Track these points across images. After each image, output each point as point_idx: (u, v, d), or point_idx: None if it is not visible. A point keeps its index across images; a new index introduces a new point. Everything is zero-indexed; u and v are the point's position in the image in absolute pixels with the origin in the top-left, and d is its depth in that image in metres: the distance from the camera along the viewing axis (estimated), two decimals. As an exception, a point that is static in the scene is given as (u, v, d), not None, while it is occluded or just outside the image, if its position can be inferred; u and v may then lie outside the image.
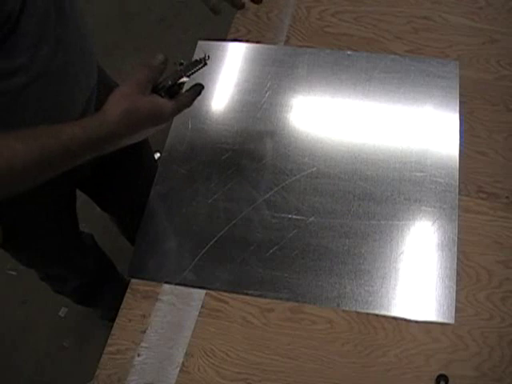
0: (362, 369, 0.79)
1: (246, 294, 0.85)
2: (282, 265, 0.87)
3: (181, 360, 0.82)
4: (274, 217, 0.91)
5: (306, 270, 0.86)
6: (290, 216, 0.91)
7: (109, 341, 0.85)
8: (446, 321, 0.80)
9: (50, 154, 0.65)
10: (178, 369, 0.81)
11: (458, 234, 0.87)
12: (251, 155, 0.98)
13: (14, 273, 1.78)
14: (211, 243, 0.89)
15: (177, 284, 0.87)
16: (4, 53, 0.68)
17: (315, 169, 0.95)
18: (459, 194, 0.90)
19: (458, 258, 0.85)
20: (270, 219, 0.91)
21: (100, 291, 1.45)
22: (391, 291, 0.83)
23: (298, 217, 0.90)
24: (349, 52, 1.07)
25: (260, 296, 0.85)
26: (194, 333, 0.84)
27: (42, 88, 0.77)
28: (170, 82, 0.75)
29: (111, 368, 0.83)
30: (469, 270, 0.85)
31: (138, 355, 0.83)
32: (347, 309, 0.83)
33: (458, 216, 0.88)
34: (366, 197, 0.91)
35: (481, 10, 1.11)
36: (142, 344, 0.84)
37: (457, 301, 0.82)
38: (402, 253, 0.86)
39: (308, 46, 1.10)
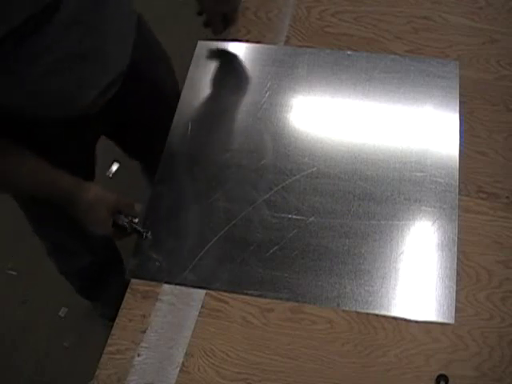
0: (362, 369, 0.79)
1: (246, 294, 0.85)
2: (282, 265, 0.87)
3: (181, 360, 0.82)
4: (274, 217, 0.91)
5: (306, 270, 0.86)
6: (289, 216, 0.91)
7: (109, 341, 0.85)
8: (446, 321, 0.80)
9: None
10: (178, 369, 0.81)
11: (458, 234, 0.87)
12: (251, 155, 0.98)
13: (14, 273, 1.78)
14: (211, 243, 0.89)
15: (177, 284, 0.87)
16: (39, 33, 0.71)
17: (315, 169, 0.95)
18: (459, 193, 0.90)
19: (457, 258, 0.85)
20: (270, 219, 0.91)
21: (104, 280, 1.44)
22: (391, 291, 0.83)
23: (298, 217, 0.90)
24: (349, 52, 1.07)
25: (260, 296, 0.85)
26: (194, 333, 0.84)
27: (67, 69, 0.79)
28: (123, 223, 0.91)
29: (111, 368, 0.83)
30: (469, 269, 0.85)
31: (138, 355, 0.83)
32: (347, 309, 0.83)
33: (458, 216, 0.88)
34: (366, 197, 0.91)
35: (481, 10, 1.11)
36: (142, 344, 0.84)
37: (457, 301, 0.82)
38: (402, 253, 0.86)
39: (308, 46, 1.10)
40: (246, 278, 0.86)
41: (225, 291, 0.86)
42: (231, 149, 0.99)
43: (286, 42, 1.11)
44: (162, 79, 1.15)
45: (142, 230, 0.91)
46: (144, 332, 0.85)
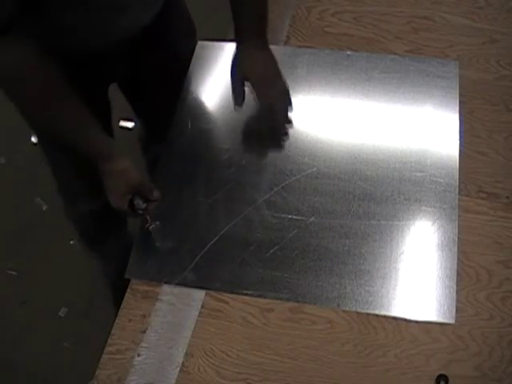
0: (361, 369, 0.79)
1: (246, 294, 0.85)
2: (282, 265, 0.87)
3: (181, 360, 0.82)
4: (274, 217, 0.91)
5: (306, 270, 0.86)
6: (290, 216, 0.91)
7: (109, 341, 0.85)
8: (446, 321, 0.80)
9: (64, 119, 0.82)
10: (178, 369, 0.81)
11: (458, 233, 0.87)
12: (251, 155, 0.98)
13: (14, 273, 1.78)
14: (211, 243, 0.89)
15: (177, 284, 0.87)
16: None
17: (315, 169, 0.95)
18: (459, 193, 0.90)
19: (458, 258, 0.85)
20: (270, 219, 0.91)
21: (106, 232, 1.42)
22: (391, 291, 0.83)
23: (298, 217, 0.90)
24: (348, 52, 1.07)
25: (260, 296, 0.85)
26: (194, 333, 0.84)
27: (98, 16, 0.83)
28: (138, 204, 0.89)
29: (111, 368, 0.82)
30: (469, 269, 0.85)
31: (138, 355, 0.83)
32: (347, 309, 0.83)
33: (458, 216, 0.88)
34: (366, 197, 0.91)
35: (481, 10, 1.11)
36: (142, 344, 0.84)
37: (457, 301, 0.82)
38: (402, 253, 0.86)
39: (308, 46, 1.10)
40: (246, 278, 0.86)
41: (225, 291, 0.86)
42: (231, 149, 0.99)
43: (286, 42, 1.11)
44: (183, 44, 1.14)
45: (148, 219, 0.89)
46: (144, 332, 0.85)
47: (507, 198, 0.90)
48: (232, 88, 0.96)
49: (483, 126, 0.98)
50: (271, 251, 0.88)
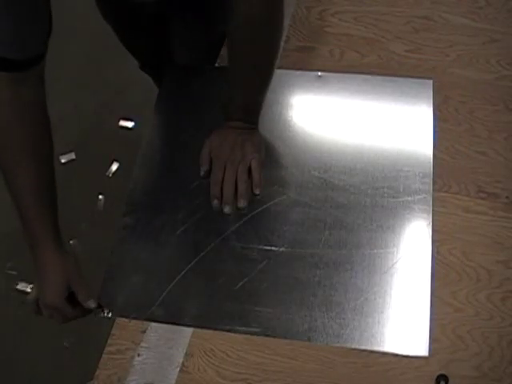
0: (362, 369, 0.79)
1: (216, 329, 0.82)
2: (252, 298, 0.84)
3: (181, 360, 0.82)
4: (243, 248, 0.88)
5: (276, 302, 0.83)
6: (259, 247, 0.87)
7: (109, 341, 0.85)
8: (419, 354, 0.78)
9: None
10: (178, 369, 0.81)
11: (458, 233, 0.87)
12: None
13: (14, 273, 1.78)
14: (179, 276, 0.86)
15: (145, 320, 0.84)
16: None
17: (285, 197, 0.92)
18: (460, 193, 0.91)
19: (458, 258, 0.85)
20: (239, 250, 0.87)
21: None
22: (363, 324, 0.80)
23: (268, 247, 0.87)
24: (319, 73, 1.04)
25: (230, 331, 0.82)
26: (194, 333, 0.84)
27: None
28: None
29: (111, 368, 0.82)
30: (469, 270, 0.85)
31: (138, 355, 0.83)
32: (318, 343, 0.80)
33: (457, 216, 0.88)
34: (338, 225, 0.88)
35: (481, 10, 1.11)
36: (142, 344, 0.84)
37: (457, 301, 0.82)
38: (374, 283, 0.83)
39: (308, 47, 1.10)
40: (215, 313, 0.83)
41: (195, 327, 0.83)
42: (199, 178, 0.95)
43: (286, 43, 1.11)
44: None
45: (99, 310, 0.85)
46: (144, 332, 0.84)
47: (507, 198, 0.90)
48: (200, 157, 0.94)
49: (483, 126, 0.98)
50: (240, 284, 0.85)
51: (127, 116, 2.07)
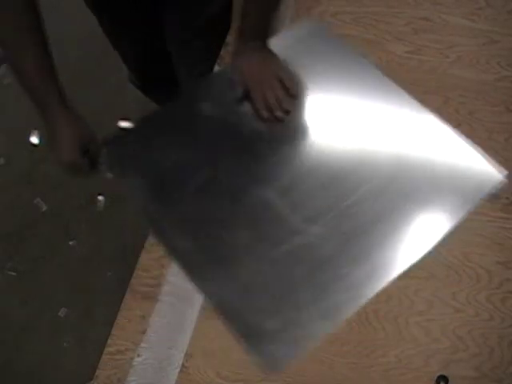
0: (362, 369, 0.79)
1: None
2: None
3: (181, 360, 0.82)
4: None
5: None
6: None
7: (108, 341, 0.85)
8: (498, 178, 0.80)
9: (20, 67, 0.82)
10: (178, 369, 0.81)
11: (458, 234, 0.86)
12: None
13: (13, 273, 1.78)
14: None
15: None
16: None
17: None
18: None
19: (458, 259, 0.85)
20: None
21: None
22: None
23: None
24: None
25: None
26: (194, 333, 0.84)
27: None
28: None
29: (111, 368, 0.83)
30: (469, 270, 0.85)
31: (138, 356, 0.83)
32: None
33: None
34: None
35: (481, 11, 1.11)
36: (142, 344, 0.84)
37: (457, 301, 0.82)
38: None
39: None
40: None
41: None
42: None
43: (287, 43, 1.11)
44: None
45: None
46: (144, 332, 0.85)
47: (507, 198, 0.90)
48: (234, 82, 0.98)
49: (483, 127, 0.98)
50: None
51: (127, 116, 2.07)
